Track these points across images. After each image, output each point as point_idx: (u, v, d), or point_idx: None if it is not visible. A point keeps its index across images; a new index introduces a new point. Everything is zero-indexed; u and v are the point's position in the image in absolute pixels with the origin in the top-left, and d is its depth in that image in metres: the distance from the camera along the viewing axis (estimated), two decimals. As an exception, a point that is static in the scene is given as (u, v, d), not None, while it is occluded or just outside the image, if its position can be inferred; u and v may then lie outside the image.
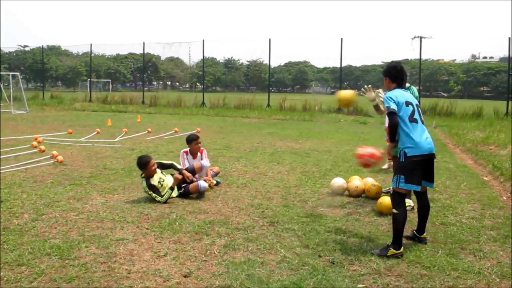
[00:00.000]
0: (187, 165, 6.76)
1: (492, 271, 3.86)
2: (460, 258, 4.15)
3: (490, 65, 76.50)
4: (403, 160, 4.28)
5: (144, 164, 5.97)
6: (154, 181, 6.00)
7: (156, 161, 6.21)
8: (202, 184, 6.17)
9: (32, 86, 72.41)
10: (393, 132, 4.31)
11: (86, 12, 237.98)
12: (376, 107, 5.33)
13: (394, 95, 4.36)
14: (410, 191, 5.07)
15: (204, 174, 6.85)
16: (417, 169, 4.25)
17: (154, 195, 5.91)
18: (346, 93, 5.94)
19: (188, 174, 6.34)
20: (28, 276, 3.60)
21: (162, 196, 5.91)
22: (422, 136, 4.26)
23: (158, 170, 6.17)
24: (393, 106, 4.28)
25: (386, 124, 8.33)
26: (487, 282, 3.65)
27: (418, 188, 4.35)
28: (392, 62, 4.65)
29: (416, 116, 4.32)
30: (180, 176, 6.24)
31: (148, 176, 6.00)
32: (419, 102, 4.63)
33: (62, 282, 3.52)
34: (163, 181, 6.08)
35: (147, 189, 5.92)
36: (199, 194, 6.20)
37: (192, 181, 6.34)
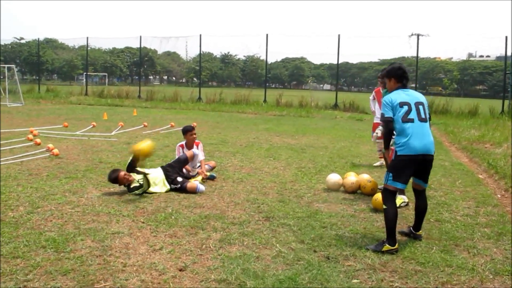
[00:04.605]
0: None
1: (485, 267, 3.89)
2: (454, 254, 4.18)
3: (486, 64, 76.68)
4: (393, 158, 4.35)
5: (113, 180, 5.98)
6: (134, 183, 6.02)
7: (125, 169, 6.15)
8: (201, 187, 6.16)
9: (28, 79, 71.96)
10: (387, 139, 4.45)
11: (83, 5, 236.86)
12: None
13: (390, 99, 4.35)
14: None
15: (197, 164, 6.87)
16: (406, 168, 4.27)
17: (138, 191, 5.94)
18: (144, 145, 5.95)
19: (206, 174, 6.78)
20: (24, 269, 3.59)
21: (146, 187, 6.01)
22: (416, 136, 4.22)
23: (134, 175, 6.09)
24: (389, 114, 4.32)
25: (375, 120, 8.36)
26: (481, 279, 3.67)
27: (403, 187, 4.41)
28: (392, 63, 4.60)
29: (412, 115, 4.26)
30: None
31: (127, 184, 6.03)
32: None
33: (58, 274, 3.52)
34: (141, 179, 6.03)
35: (131, 192, 5.96)
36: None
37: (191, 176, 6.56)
